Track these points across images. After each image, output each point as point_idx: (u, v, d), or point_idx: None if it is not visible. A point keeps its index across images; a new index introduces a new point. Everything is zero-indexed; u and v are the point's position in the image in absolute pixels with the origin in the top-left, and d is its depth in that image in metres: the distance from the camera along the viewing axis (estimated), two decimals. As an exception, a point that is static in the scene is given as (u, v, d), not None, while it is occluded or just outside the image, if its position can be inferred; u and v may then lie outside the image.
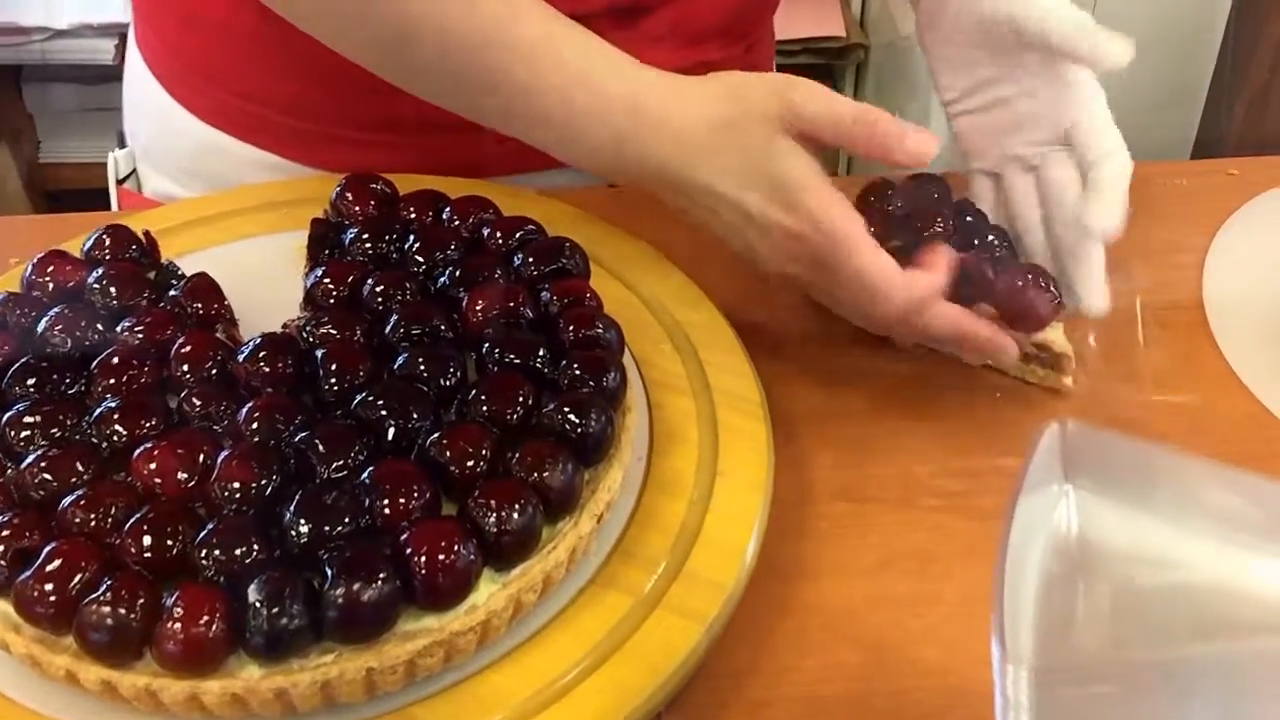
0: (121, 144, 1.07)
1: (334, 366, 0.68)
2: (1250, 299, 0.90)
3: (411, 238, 0.77)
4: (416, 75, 0.81)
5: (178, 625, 0.57)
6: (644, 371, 0.78)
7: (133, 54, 1.03)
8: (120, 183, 1.05)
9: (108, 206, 1.06)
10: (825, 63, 2.19)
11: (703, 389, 0.77)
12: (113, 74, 1.99)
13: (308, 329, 0.71)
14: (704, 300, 0.83)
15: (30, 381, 0.68)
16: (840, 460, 0.79)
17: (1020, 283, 0.79)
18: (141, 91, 1.02)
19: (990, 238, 0.83)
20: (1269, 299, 0.89)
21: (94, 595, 0.58)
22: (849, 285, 0.76)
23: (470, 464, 0.64)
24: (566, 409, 0.67)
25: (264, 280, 0.79)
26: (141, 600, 0.58)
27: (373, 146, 0.94)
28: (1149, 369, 0.86)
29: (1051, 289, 0.79)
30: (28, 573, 0.59)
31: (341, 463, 0.64)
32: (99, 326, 0.71)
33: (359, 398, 0.67)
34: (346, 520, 0.61)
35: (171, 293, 0.74)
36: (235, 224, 0.86)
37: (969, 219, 0.84)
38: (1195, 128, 1.78)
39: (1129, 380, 0.85)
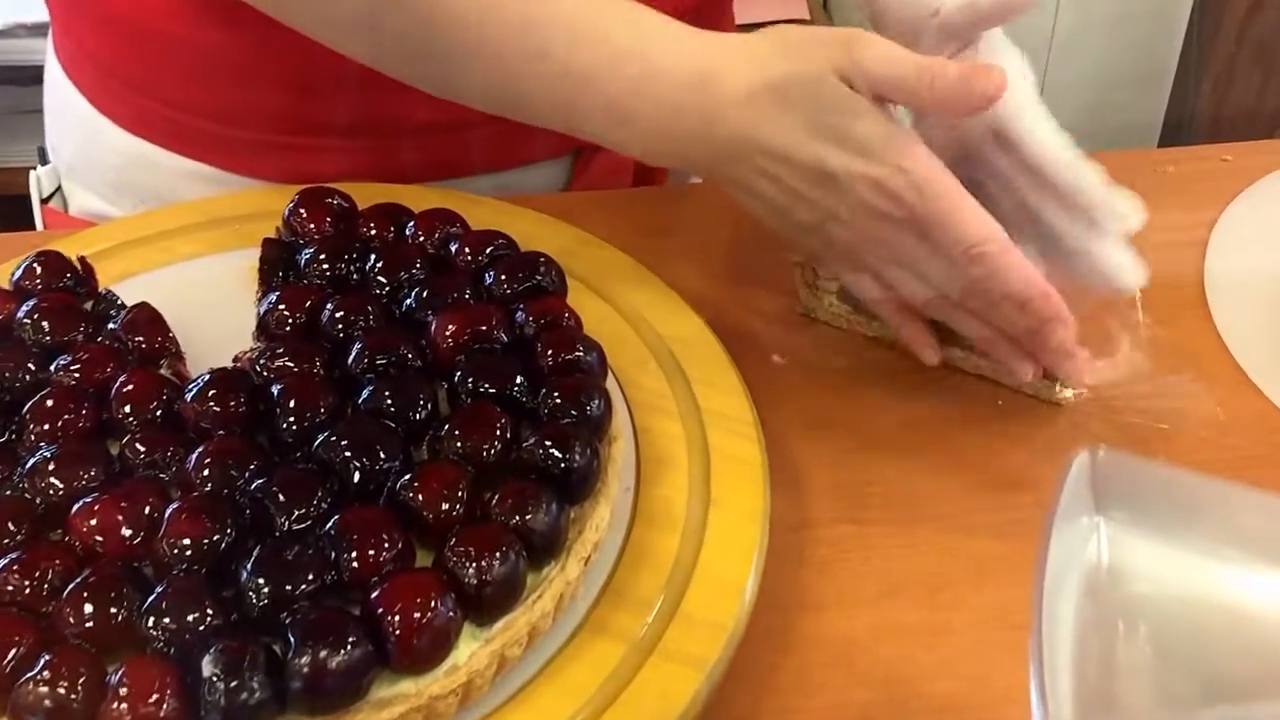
0: (44, 160, 1.02)
1: (292, 404, 0.63)
2: (1252, 287, 0.87)
3: (373, 257, 0.72)
4: (445, 65, 0.76)
5: (124, 706, 0.52)
6: (627, 393, 0.73)
7: (51, 61, 0.99)
8: (44, 202, 1.00)
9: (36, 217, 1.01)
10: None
11: (691, 410, 0.73)
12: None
13: (262, 362, 0.66)
14: (688, 311, 0.79)
15: (-48, 430, 0.62)
16: (838, 479, 0.75)
17: None
18: (62, 101, 0.97)
19: None
20: (1272, 286, 0.85)
21: (30, 674, 0.53)
22: (940, 234, 0.71)
23: (445, 508, 0.59)
24: (549, 443, 0.62)
25: (212, 307, 0.74)
26: (83, 678, 0.53)
27: (308, 152, 0.90)
28: (1150, 364, 0.83)
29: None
30: (-47, 651, 0.54)
31: (303, 512, 0.59)
32: (30, 366, 0.66)
33: (320, 438, 0.62)
34: (310, 577, 0.56)
35: (110, 325, 0.69)
36: (178, 243, 0.81)
37: None
38: (1164, 107, 1.76)
39: (1131, 378, 0.82)
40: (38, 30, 2.03)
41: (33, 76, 2.06)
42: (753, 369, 0.76)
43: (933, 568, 0.71)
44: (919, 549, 0.72)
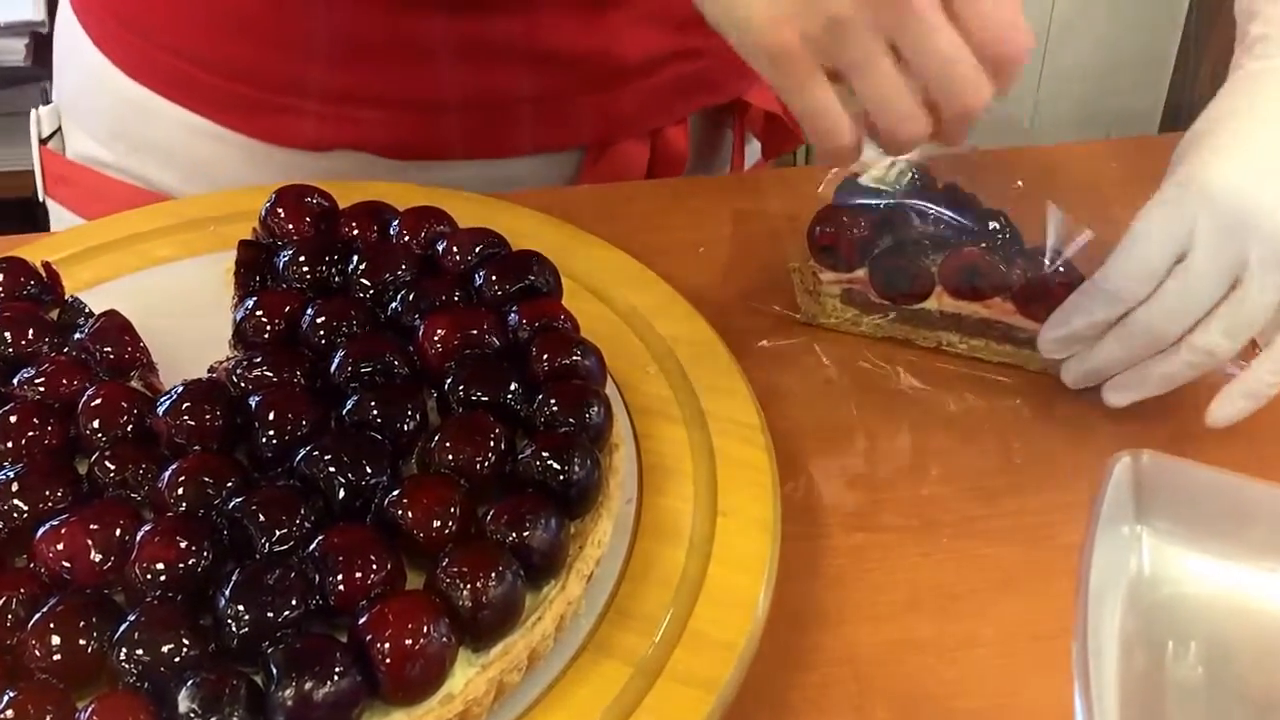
0: (46, 100, 1.01)
1: (271, 416, 0.60)
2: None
3: (355, 258, 0.69)
4: None
5: (95, 744, 0.49)
6: (628, 398, 0.70)
7: (64, 7, 0.98)
8: (43, 142, 0.99)
9: (17, 219, 0.98)
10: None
11: (695, 414, 0.70)
12: (23, 76, 1.92)
13: (239, 372, 0.63)
14: (690, 312, 0.76)
15: (-91, 449, 0.59)
16: (851, 485, 0.73)
17: (1038, 270, 0.74)
18: (70, 47, 0.97)
19: (991, 224, 0.78)
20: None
21: (-7, 714, 0.49)
22: None
23: (437, 526, 0.56)
24: (546, 454, 0.59)
25: (187, 314, 0.71)
26: (50, 715, 0.50)
27: (308, 117, 0.88)
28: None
29: (1072, 274, 0.74)
30: (-89, 689, 0.50)
31: (284, 532, 0.56)
32: (-9, 379, 0.63)
33: (302, 452, 0.58)
34: (293, 603, 0.53)
35: (77, 335, 0.66)
36: (151, 247, 0.78)
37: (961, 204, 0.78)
38: (1165, 91, 1.73)
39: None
40: (13, 30, 2.00)
41: (7, 78, 2.04)
42: (757, 372, 0.74)
43: (951, 577, 0.68)
44: (936, 557, 0.69)
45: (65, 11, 0.98)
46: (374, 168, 0.88)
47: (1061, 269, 0.74)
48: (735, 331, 0.76)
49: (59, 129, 1.00)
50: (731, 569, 0.62)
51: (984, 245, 0.77)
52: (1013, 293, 0.76)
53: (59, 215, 0.98)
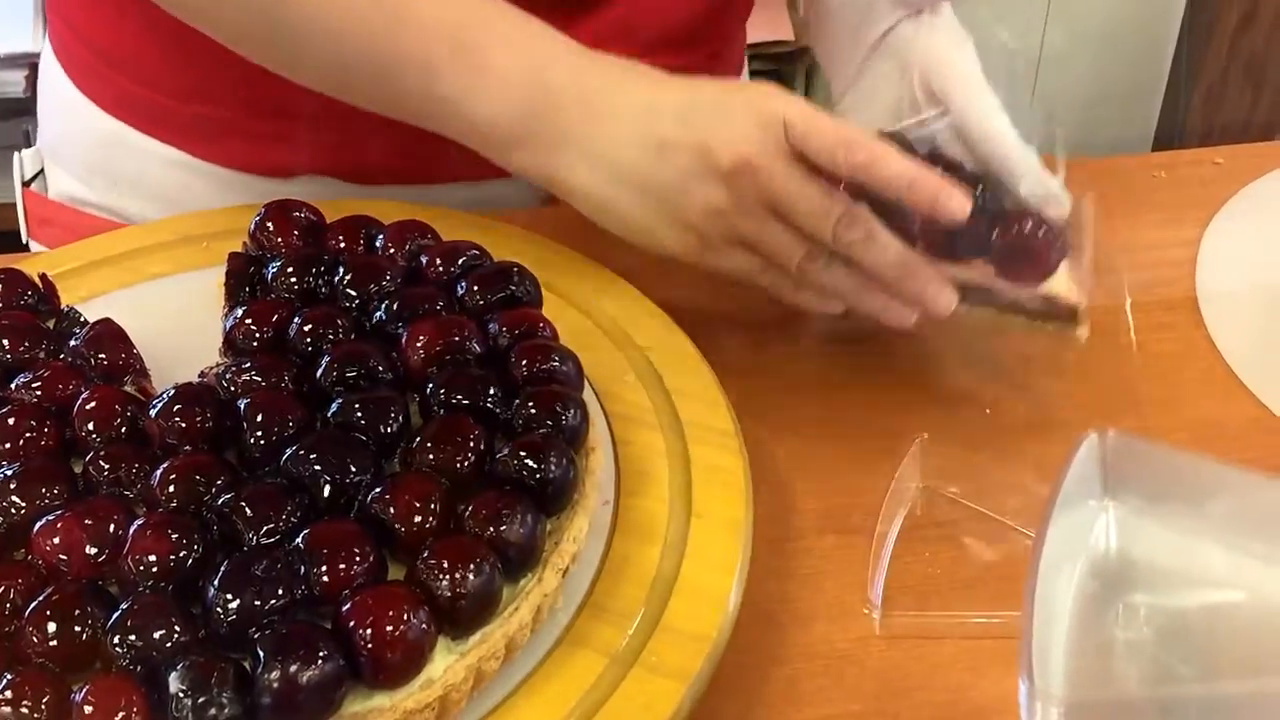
0: (29, 142, 1.04)
1: (259, 418, 0.62)
2: (1244, 290, 0.86)
3: (341, 269, 0.71)
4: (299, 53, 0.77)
5: (90, 725, 0.50)
6: (606, 405, 0.71)
7: (45, 48, 1.00)
8: (26, 185, 1.01)
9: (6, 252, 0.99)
10: (774, 68, 2.12)
11: (671, 421, 0.71)
12: (24, 107, 1.92)
13: (228, 377, 0.65)
14: (666, 322, 0.77)
15: (-89, 450, 0.60)
16: (821, 489, 0.74)
17: (1018, 231, 0.73)
18: (51, 85, 0.99)
19: (979, 190, 0.75)
20: (1266, 293, 0.84)
21: (-9, 695, 0.51)
22: (812, 149, 0.70)
23: (418, 520, 0.58)
24: (523, 453, 0.61)
25: (178, 325, 0.72)
26: (46, 698, 0.51)
27: (276, 141, 0.90)
28: (1142, 373, 0.81)
29: (1053, 234, 0.73)
30: (-87, 673, 0.52)
31: (271, 526, 0.57)
32: (-9, 384, 0.64)
33: (289, 452, 0.60)
34: (279, 592, 0.54)
35: (73, 342, 0.67)
36: (145, 263, 0.79)
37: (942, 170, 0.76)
38: (1155, 120, 1.75)
39: (1123, 388, 0.80)
40: (13, 62, 2.01)
41: (8, 109, 2.05)
42: (732, 379, 0.75)
43: (923, 576, 0.69)
44: (909, 557, 0.70)
45: (47, 53, 0.99)
46: (338, 192, 0.89)
47: (1044, 229, 0.73)
48: (709, 340, 0.77)
49: (41, 171, 1.01)
50: (704, 567, 0.64)
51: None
52: (993, 255, 0.75)
53: None
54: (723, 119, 0.71)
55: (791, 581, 0.69)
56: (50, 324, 0.69)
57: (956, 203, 0.69)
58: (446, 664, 0.56)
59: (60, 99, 0.97)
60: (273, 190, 0.87)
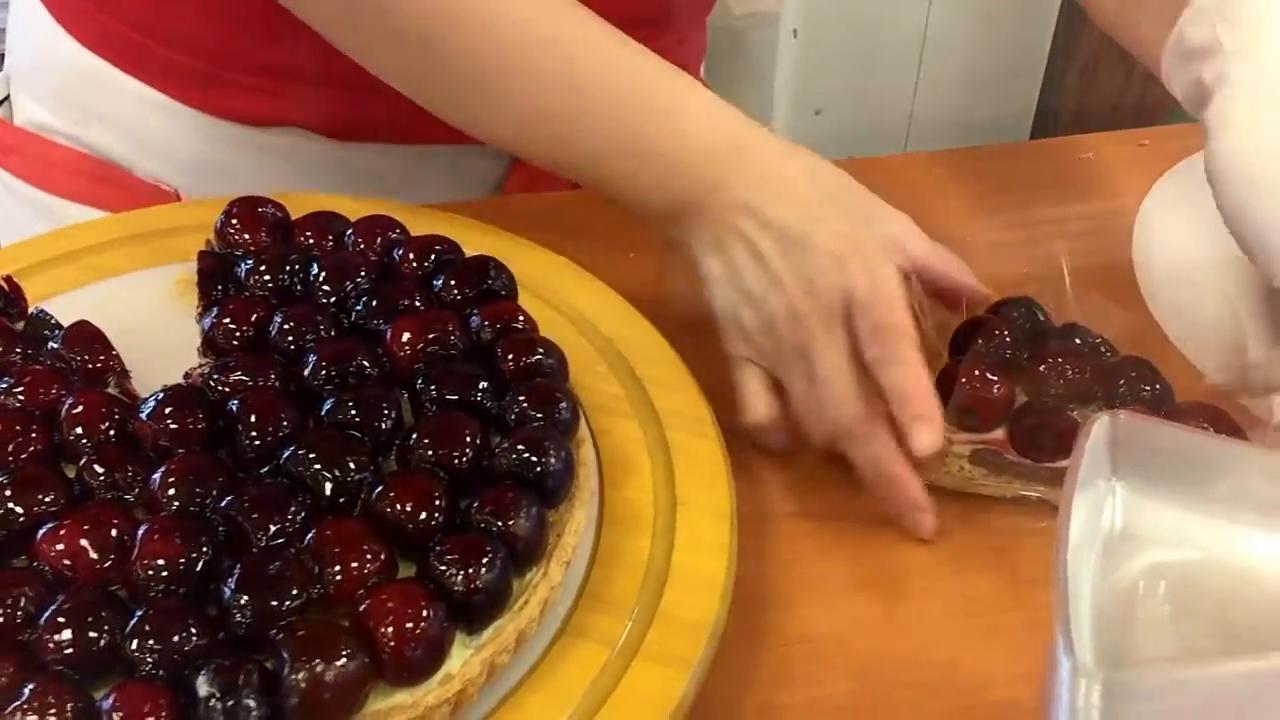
0: None
1: (253, 418, 0.61)
2: (1181, 268, 0.88)
3: (315, 267, 0.70)
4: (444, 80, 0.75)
5: (120, 732, 0.49)
6: (581, 397, 0.71)
7: None
8: None
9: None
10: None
11: (647, 411, 0.72)
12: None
13: (216, 377, 0.64)
14: (632, 312, 0.77)
15: (-105, 461, 0.59)
16: (794, 473, 0.75)
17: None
18: (26, 15, 0.96)
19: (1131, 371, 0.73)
20: (1200, 267, 0.87)
21: (15, 705, 0.50)
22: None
23: (425, 517, 0.58)
24: (522, 447, 0.61)
25: (148, 324, 0.71)
26: (72, 705, 0.50)
27: (262, 94, 0.89)
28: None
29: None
30: (-71, 687, 0.50)
31: (278, 527, 0.56)
32: (-32, 392, 0.62)
33: (288, 451, 0.59)
34: (294, 592, 0.54)
35: (50, 345, 0.66)
36: (102, 260, 0.77)
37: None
38: (1035, 100, 1.79)
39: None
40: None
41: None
42: (701, 366, 0.75)
43: (897, 559, 0.71)
44: (880, 540, 0.71)
45: None
46: (311, 145, 0.89)
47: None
48: (675, 327, 0.77)
49: (7, 97, 0.99)
50: (695, 554, 0.64)
51: (1122, 384, 0.72)
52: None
53: (7, 183, 0.97)
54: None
55: (769, 565, 0.70)
56: (19, 326, 0.67)
57: (925, 440, 0.67)
58: (463, 659, 0.56)
59: (35, 28, 0.95)
60: (248, 138, 0.89)
